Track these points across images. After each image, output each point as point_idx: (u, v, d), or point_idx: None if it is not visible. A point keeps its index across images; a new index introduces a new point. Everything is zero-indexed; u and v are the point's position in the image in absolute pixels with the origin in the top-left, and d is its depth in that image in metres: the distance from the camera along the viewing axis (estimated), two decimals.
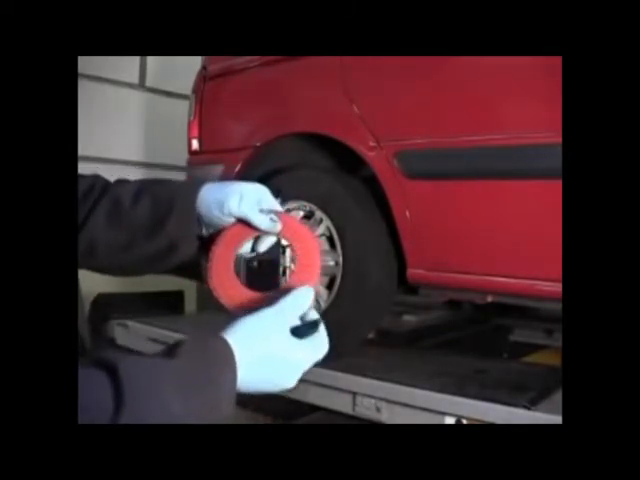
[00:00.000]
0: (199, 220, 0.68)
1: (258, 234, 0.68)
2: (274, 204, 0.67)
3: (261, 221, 0.65)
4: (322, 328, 0.59)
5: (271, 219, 0.66)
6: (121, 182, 0.72)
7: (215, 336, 0.53)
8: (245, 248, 0.68)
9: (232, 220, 0.66)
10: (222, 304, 0.62)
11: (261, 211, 0.66)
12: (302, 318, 0.58)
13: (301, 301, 0.58)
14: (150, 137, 3.15)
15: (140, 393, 0.44)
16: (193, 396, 0.47)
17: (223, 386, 0.51)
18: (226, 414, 0.51)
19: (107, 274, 0.75)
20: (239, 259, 0.68)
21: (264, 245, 0.69)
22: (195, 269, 0.69)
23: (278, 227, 0.66)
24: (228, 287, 0.64)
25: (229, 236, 0.66)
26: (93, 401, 0.42)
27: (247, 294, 0.63)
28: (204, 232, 0.69)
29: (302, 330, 0.57)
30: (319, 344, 0.58)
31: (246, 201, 0.65)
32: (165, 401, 0.45)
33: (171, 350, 0.50)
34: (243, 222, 0.66)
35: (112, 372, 0.44)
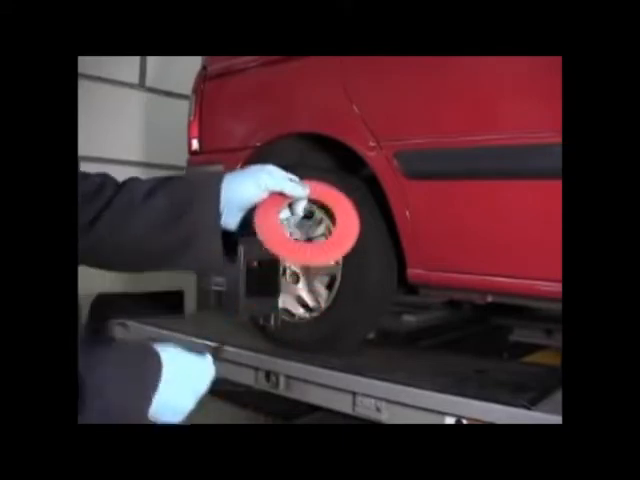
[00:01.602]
0: (227, 206, 0.70)
1: (291, 200, 0.75)
2: (295, 178, 0.75)
3: (293, 187, 0.73)
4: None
5: (302, 184, 0.74)
6: (135, 179, 0.73)
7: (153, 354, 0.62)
8: (284, 213, 0.75)
9: (265, 195, 0.72)
10: (286, 259, 0.72)
11: (290, 180, 0.74)
12: None
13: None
14: (150, 137, 3.15)
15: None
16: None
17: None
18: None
19: (122, 270, 0.76)
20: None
21: (299, 208, 0.76)
22: (214, 262, 0.72)
23: (307, 190, 0.75)
24: (285, 243, 0.71)
25: (268, 204, 0.72)
26: None
27: (301, 245, 0.74)
28: (237, 217, 0.72)
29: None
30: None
31: (275, 175, 0.73)
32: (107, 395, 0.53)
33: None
34: (274, 194, 0.73)
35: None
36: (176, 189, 0.70)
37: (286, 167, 0.77)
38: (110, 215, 0.68)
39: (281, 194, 0.73)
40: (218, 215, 0.69)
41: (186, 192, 0.70)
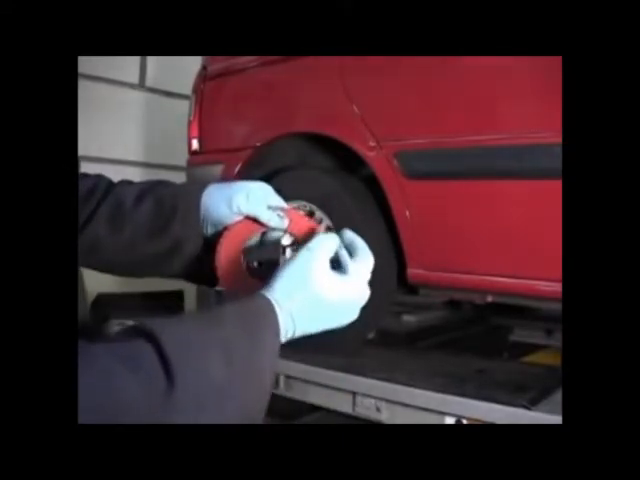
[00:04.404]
0: (205, 220, 0.69)
1: (265, 230, 0.69)
2: (280, 201, 0.69)
3: (270, 217, 0.67)
4: (363, 248, 0.61)
5: (278, 215, 0.67)
6: (124, 183, 0.73)
7: (255, 295, 0.55)
8: (252, 242, 0.70)
9: (239, 217, 0.68)
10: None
11: (269, 208, 0.68)
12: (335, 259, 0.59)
13: (327, 241, 0.59)
14: (150, 137, 3.15)
15: (188, 367, 0.44)
16: (237, 363, 0.49)
17: (266, 350, 0.52)
18: (269, 380, 0.52)
19: (110, 273, 0.75)
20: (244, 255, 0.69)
21: (271, 240, 0.70)
22: (200, 271, 0.70)
23: (286, 223, 0.68)
24: (234, 277, 0.65)
25: (237, 230, 0.68)
26: (142, 384, 0.42)
27: (251, 283, 0.65)
28: (209, 232, 0.70)
29: (340, 260, 0.59)
30: (364, 260, 0.60)
31: (253, 198, 0.67)
32: (211, 371, 0.46)
33: (212, 316, 0.52)
34: (250, 219, 0.68)
35: (157, 348, 0.44)
36: (162, 197, 0.69)
37: (285, 168, 0.75)
38: (97, 221, 0.67)
39: (256, 220, 0.68)
40: (198, 227, 0.68)
41: (170, 201, 0.69)
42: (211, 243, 0.69)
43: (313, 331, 0.58)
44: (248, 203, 0.67)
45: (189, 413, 0.44)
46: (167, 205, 0.68)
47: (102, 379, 0.41)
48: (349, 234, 0.63)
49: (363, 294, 0.61)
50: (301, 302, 0.55)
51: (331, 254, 0.59)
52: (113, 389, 0.41)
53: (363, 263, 0.60)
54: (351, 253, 0.60)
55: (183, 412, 0.44)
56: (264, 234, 0.70)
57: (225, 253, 0.67)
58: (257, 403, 0.51)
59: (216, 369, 0.47)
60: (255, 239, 0.70)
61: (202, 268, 0.69)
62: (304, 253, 0.57)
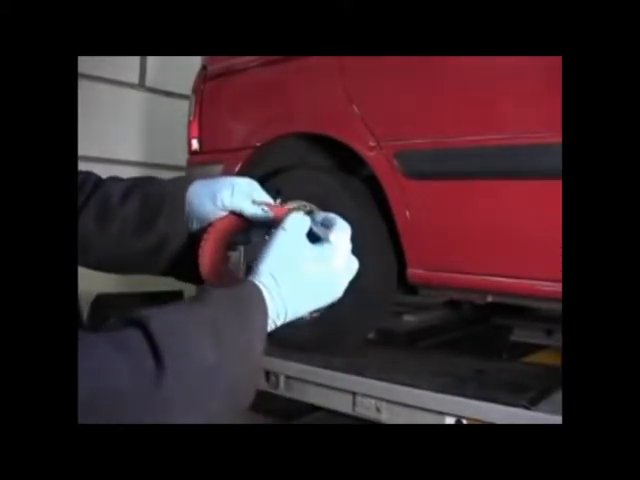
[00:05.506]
0: (189, 216, 0.68)
1: (249, 226, 0.68)
2: (266, 197, 0.68)
3: (254, 212, 0.66)
4: (336, 218, 0.62)
5: (262, 210, 0.66)
6: (112, 179, 0.72)
7: (241, 281, 0.56)
8: (237, 239, 0.69)
9: (224, 213, 0.67)
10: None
11: (253, 202, 0.67)
12: (310, 233, 0.60)
13: (300, 218, 0.60)
14: (150, 137, 3.15)
15: (176, 350, 0.45)
16: (226, 344, 0.49)
17: (254, 330, 0.52)
18: (258, 360, 0.53)
19: (101, 271, 0.74)
20: (237, 258, 0.68)
21: (256, 236, 0.69)
22: (188, 269, 0.69)
23: (270, 215, 0.67)
24: (219, 274, 0.64)
25: (220, 226, 0.67)
26: (133, 369, 0.43)
27: (235, 279, 0.64)
28: (194, 227, 0.69)
29: (317, 234, 0.60)
30: (340, 233, 0.61)
31: (238, 193, 0.66)
32: (200, 353, 0.47)
33: (200, 300, 0.52)
34: (235, 214, 0.67)
35: (146, 333, 0.45)
36: (148, 193, 0.69)
37: (285, 168, 0.74)
38: (85, 217, 0.67)
39: (240, 215, 0.67)
40: (184, 223, 0.67)
41: (157, 197, 0.68)
42: (196, 239, 0.68)
43: (306, 310, 0.59)
44: (232, 198, 0.66)
45: (179, 395, 0.45)
46: (153, 201, 0.68)
47: (103, 368, 0.42)
48: (321, 213, 0.64)
49: (350, 264, 0.63)
50: (288, 281, 0.56)
51: (306, 230, 0.60)
52: (112, 377, 0.42)
53: (340, 232, 0.61)
54: (327, 227, 0.62)
55: (173, 395, 0.44)
56: (250, 230, 0.69)
57: (209, 250, 0.65)
58: (247, 383, 0.52)
59: (205, 350, 0.47)
60: (242, 236, 0.69)
61: (189, 265, 0.68)
62: (280, 233, 0.58)
